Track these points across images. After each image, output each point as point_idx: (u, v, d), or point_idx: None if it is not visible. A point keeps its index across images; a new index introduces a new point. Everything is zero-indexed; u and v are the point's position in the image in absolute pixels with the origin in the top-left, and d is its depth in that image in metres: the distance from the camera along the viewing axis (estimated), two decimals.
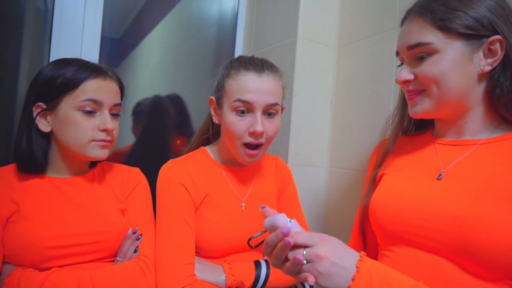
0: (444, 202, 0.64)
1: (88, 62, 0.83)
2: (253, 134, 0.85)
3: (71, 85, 0.78)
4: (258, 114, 0.85)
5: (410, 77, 0.71)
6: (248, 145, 0.87)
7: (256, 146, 0.89)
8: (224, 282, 0.83)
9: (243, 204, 0.94)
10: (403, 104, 0.82)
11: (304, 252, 0.55)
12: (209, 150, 0.98)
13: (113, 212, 0.84)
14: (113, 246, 0.82)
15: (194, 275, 0.81)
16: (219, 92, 0.91)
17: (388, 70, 1.13)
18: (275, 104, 0.87)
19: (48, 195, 0.79)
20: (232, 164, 0.97)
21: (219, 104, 0.91)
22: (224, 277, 0.83)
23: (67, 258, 0.76)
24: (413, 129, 0.86)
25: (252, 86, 0.84)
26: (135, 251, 0.83)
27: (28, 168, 0.80)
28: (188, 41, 1.48)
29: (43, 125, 0.80)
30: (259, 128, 0.84)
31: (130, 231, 0.84)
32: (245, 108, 0.85)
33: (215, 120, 0.93)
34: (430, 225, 0.64)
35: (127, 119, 1.34)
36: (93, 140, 0.80)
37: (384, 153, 0.82)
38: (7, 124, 1.11)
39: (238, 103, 0.84)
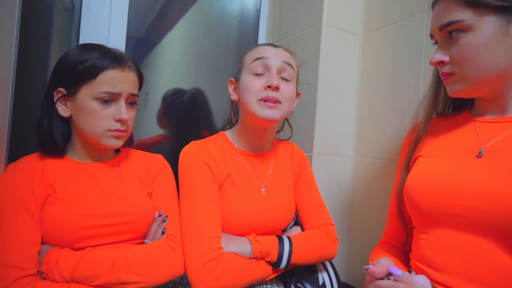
0: (485, 180, 0.62)
1: (110, 49, 0.83)
2: (269, 88, 0.88)
3: (89, 74, 0.78)
4: (274, 71, 0.90)
5: (445, 58, 0.69)
6: (265, 101, 0.89)
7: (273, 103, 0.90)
8: (251, 251, 0.84)
9: (263, 190, 0.95)
10: (436, 86, 0.79)
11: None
12: (228, 134, 1.00)
13: (140, 194, 0.87)
14: (142, 227, 0.85)
15: (221, 248, 0.82)
16: (238, 68, 0.96)
17: (417, 55, 1.10)
18: (290, 66, 0.92)
19: (78, 178, 0.82)
20: (250, 149, 0.99)
21: (237, 79, 0.96)
22: (250, 246, 0.84)
23: (98, 238, 0.78)
24: (449, 109, 0.83)
25: (269, 51, 0.92)
26: (163, 233, 0.85)
27: (49, 151, 0.82)
28: (210, 36, 1.49)
29: (63, 110, 0.82)
30: (274, 81, 0.88)
31: (156, 214, 0.87)
32: (262, 68, 0.90)
33: (233, 97, 0.98)
34: (471, 204, 0.62)
35: (152, 111, 1.37)
36: (108, 130, 0.81)
37: (417, 137, 0.80)
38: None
39: (255, 62, 0.90)
